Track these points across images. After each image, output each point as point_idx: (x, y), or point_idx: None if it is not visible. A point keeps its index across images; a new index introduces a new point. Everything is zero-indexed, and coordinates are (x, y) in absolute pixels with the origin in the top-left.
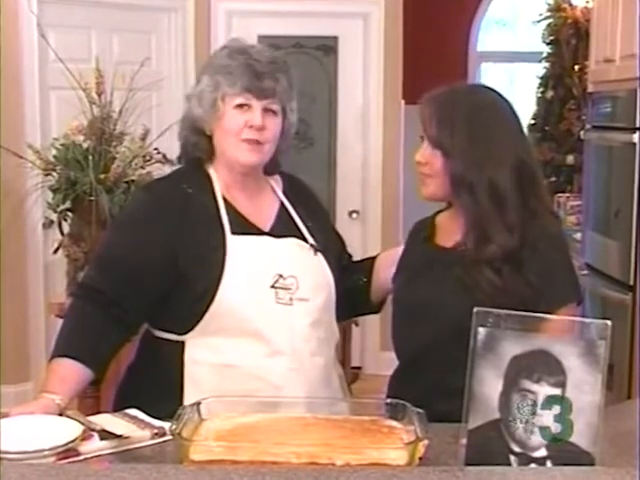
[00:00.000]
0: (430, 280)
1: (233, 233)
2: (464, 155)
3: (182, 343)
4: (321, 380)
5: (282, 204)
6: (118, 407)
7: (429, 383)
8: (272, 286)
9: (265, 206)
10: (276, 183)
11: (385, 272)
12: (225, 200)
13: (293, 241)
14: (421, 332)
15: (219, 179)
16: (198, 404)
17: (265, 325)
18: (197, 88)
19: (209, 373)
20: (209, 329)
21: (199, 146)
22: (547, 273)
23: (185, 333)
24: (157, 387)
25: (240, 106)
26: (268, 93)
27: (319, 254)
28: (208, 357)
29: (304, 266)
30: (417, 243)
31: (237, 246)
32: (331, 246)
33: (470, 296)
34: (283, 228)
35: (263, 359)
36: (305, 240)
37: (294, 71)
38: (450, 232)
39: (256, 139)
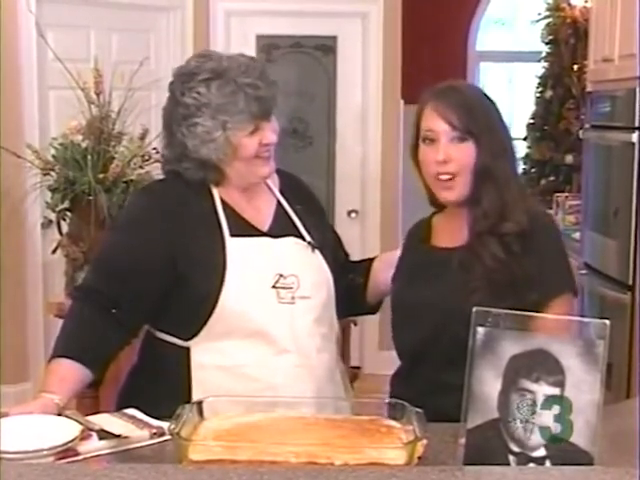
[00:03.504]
0: (428, 280)
1: (232, 235)
2: (490, 140)
3: (187, 348)
4: (327, 376)
5: (279, 203)
6: (121, 409)
7: (429, 381)
8: (273, 286)
9: (263, 206)
10: (272, 182)
11: (383, 274)
12: (223, 202)
13: (291, 240)
14: (421, 331)
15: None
16: (198, 403)
17: (269, 325)
18: (196, 130)
19: (217, 376)
20: (214, 333)
21: (204, 173)
22: (541, 261)
23: (190, 338)
24: (163, 390)
25: (252, 132)
26: (272, 109)
27: (316, 251)
28: (214, 361)
29: (304, 264)
30: (415, 245)
31: (237, 248)
32: (328, 243)
33: (467, 291)
34: (281, 227)
35: (270, 358)
36: (302, 238)
37: (292, 69)
38: (447, 232)
39: (269, 155)
